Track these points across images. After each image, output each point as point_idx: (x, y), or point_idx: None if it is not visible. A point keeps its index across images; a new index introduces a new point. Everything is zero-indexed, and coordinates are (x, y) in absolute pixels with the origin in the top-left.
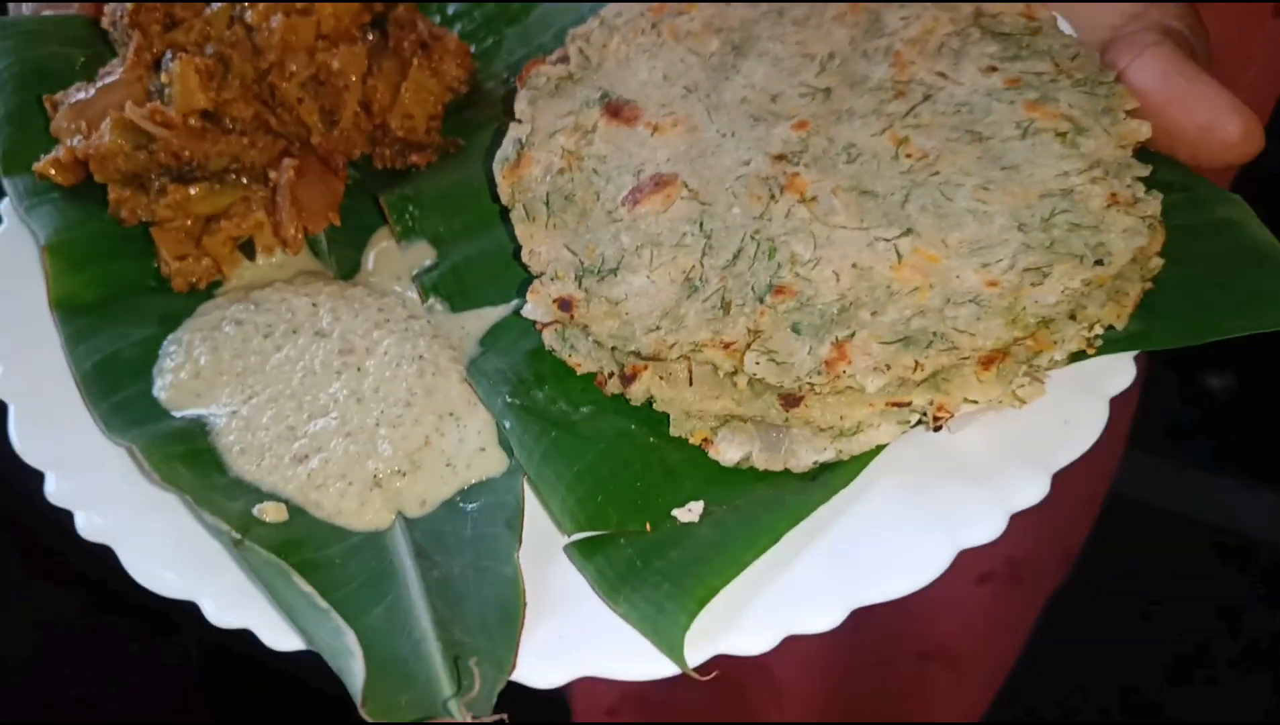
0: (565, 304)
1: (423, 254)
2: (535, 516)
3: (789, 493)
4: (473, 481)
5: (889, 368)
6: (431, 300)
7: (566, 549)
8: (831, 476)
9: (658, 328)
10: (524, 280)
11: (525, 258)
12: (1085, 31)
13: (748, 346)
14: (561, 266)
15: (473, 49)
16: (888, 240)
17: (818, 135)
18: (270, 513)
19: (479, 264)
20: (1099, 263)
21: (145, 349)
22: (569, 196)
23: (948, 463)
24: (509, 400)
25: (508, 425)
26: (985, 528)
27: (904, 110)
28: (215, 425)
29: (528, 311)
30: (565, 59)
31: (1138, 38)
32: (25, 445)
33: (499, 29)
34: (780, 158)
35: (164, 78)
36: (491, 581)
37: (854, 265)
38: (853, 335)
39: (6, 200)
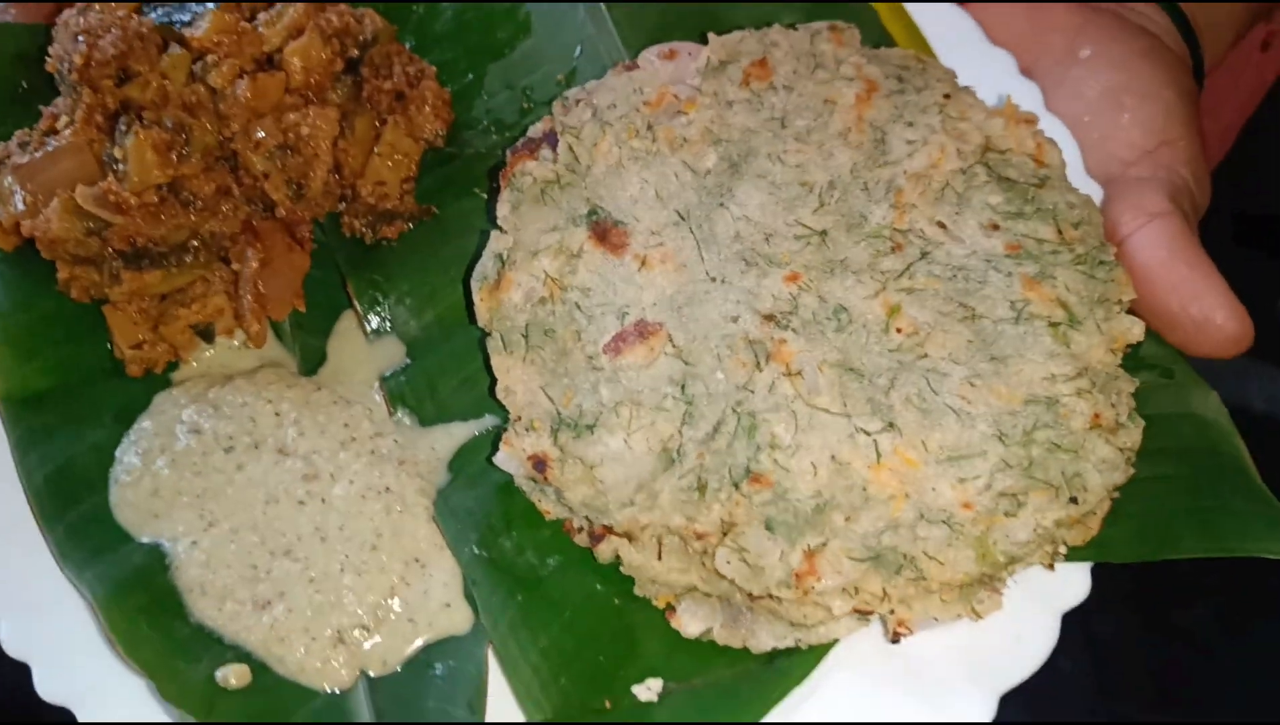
0: (540, 464)
1: (391, 352)
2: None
3: (745, 679)
4: (436, 638)
5: (856, 592)
6: (400, 413)
7: None
8: (789, 664)
9: (631, 503)
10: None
11: (500, 394)
12: (1096, 161)
13: (720, 541)
14: (538, 415)
15: (451, 90)
16: (869, 433)
17: (809, 292)
18: (234, 676)
19: (451, 369)
20: (1073, 500)
21: (100, 454)
22: (549, 331)
23: (899, 667)
24: (476, 551)
25: (475, 582)
26: None
27: (899, 268)
28: (175, 558)
29: (500, 461)
30: (552, 138)
31: (1145, 198)
32: None
33: (481, 64)
34: (769, 318)
35: (118, 152)
36: None
37: (833, 457)
38: (825, 544)
39: None
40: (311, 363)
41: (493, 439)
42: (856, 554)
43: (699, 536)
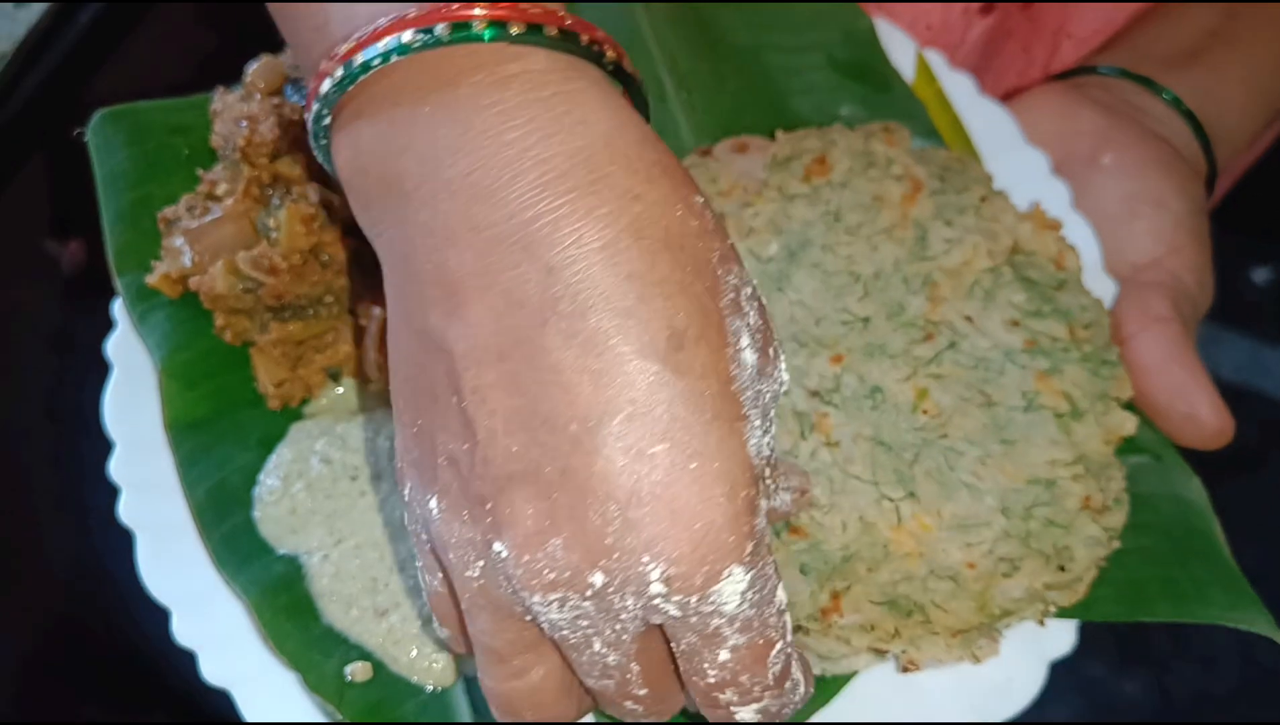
0: None
1: None
2: None
3: None
4: None
5: (873, 629)
6: None
7: None
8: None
9: None
10: None
11: None
12: (1114, 263)
13: None
14: None
15: None
16: (893, 500)
17: (850, 373)
18: (359, 673)
19: None
20: (1061, 568)
21: (246, 474)
22: None
23: (908, 698)
24: None
25: None
26: None
27: (930, 355)
28: (309, 568)
29: None
30: None
31: (1150, 303)
32: (153, 581)
33: None
34: (814, 394)
35: (271, 221)
36: None
37: (861, 518)
38: (849, 588)
39: (119, 300)
40: None
41: None
42: (875, 598)
43: None
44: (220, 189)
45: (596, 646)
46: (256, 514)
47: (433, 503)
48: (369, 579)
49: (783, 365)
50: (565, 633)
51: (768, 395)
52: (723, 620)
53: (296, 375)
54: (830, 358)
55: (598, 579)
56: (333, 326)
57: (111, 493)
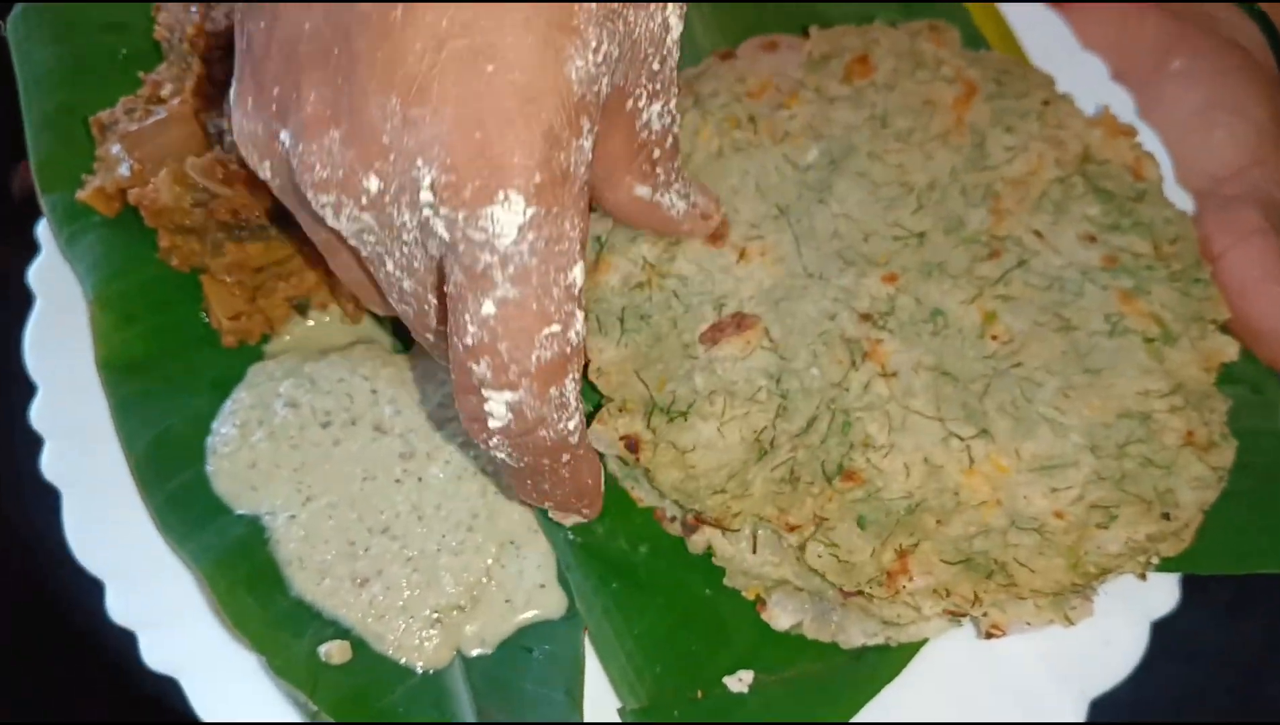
0: (632, 444)
1: None
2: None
3: (835, 674)
4: (531, 619)
5: (948, 594)
6: None
7: (622, 713)
8: (878, 661)
9: (723, 490)
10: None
11: (593, 375)
12: (1187, 175)
13: (811, 535)
14: (631, 397)
15: None
16: (962, 439)
17: (906, 294)
18: (336, 652)
19: None
20: (1165, 516)
21: (197, 423)
22: (645, 317)
23: (989, 669)
24: (570, 537)
25: (569, 567)
26: None
27: (996, 275)
28: (274, 531)
29: (593, 437)
30: None
31: (1239, 216)
32: (82, 549)
33: None
34: (866, 318)
35: (226, 123)
36: None
37: (925, 460)
38: (917, 545)
39: (43, 222)
40: (406, 339)
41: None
42: (948, 557)
43: (791, 528)
44: (165, 90)
45: (389, 267)
46: (210, 468)
47: (232, 94)
48: (345, 543)
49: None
50: (355, 246)
51: (637, 27)
52: (494, 259)
53: (256, 307)
54: (882, 277)
55: (372, 183)
56: (299, 250)
57: (35, 444)
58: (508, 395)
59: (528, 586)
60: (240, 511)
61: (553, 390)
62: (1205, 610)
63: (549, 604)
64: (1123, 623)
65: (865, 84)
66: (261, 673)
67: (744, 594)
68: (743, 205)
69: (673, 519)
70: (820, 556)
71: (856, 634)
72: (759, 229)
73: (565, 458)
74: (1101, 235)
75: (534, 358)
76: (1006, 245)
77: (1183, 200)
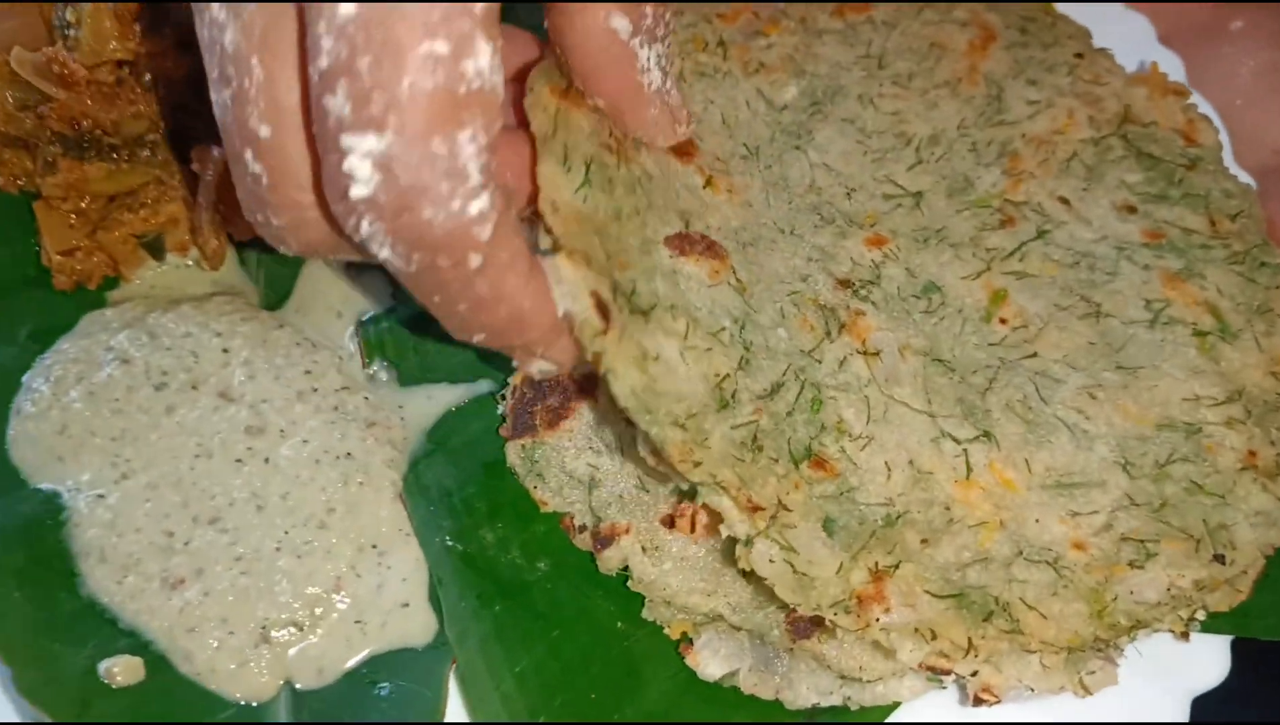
0: (602, 307)
1: (374, 290)
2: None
3: None
4: (386, 648)
5: (933, 637)
6: (376, 365)
7: None
8: None
9: (683, 426)
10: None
11: (544, 206)
12: (1246, 150)
13: (766, 529)
14: (593, 261)
15: None
16: (958, 441)
17: (895, 262)
18: (123, 671)
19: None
20: (1218, 558)
21: (6, 377)
22: (612, 181)
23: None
24: (449, 542)
25: (442, 580)
26: None
27: (1009, 247)
28: (75, 512)
29: (549, 267)
30: None
31: None
32: None
33: None
34: (844, 284)
35: (71, 14)
36: None
37: (911, 462)
38: (897, 567)
39: None
40: (276, 295)
41: (485, 407)
42: (936, 588)
43: (753, 508)
44: None
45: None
46: (11, 432)
47: None
48: (162, 533)
49: None
50: None
51: None
52: None
53: (97, 243)
54: (866, 240)
55: None
56: (155, 177)
57: None
58: (371, 140)
59: (387, 604)
60: (38, 485)
61: (436, 143)
62: (1261, 686)
63: (411, 629)
64: (1155, 695)
65: (860, 19)
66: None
67: (666, 631)
68: (707, 137)
69: (582, 529)
70: (772, 561)
71: (807, 690)
72: (725, 164)
73: (474, 261)
74: (1144, 206)
75: (405, 85)
76: (1024, 212)
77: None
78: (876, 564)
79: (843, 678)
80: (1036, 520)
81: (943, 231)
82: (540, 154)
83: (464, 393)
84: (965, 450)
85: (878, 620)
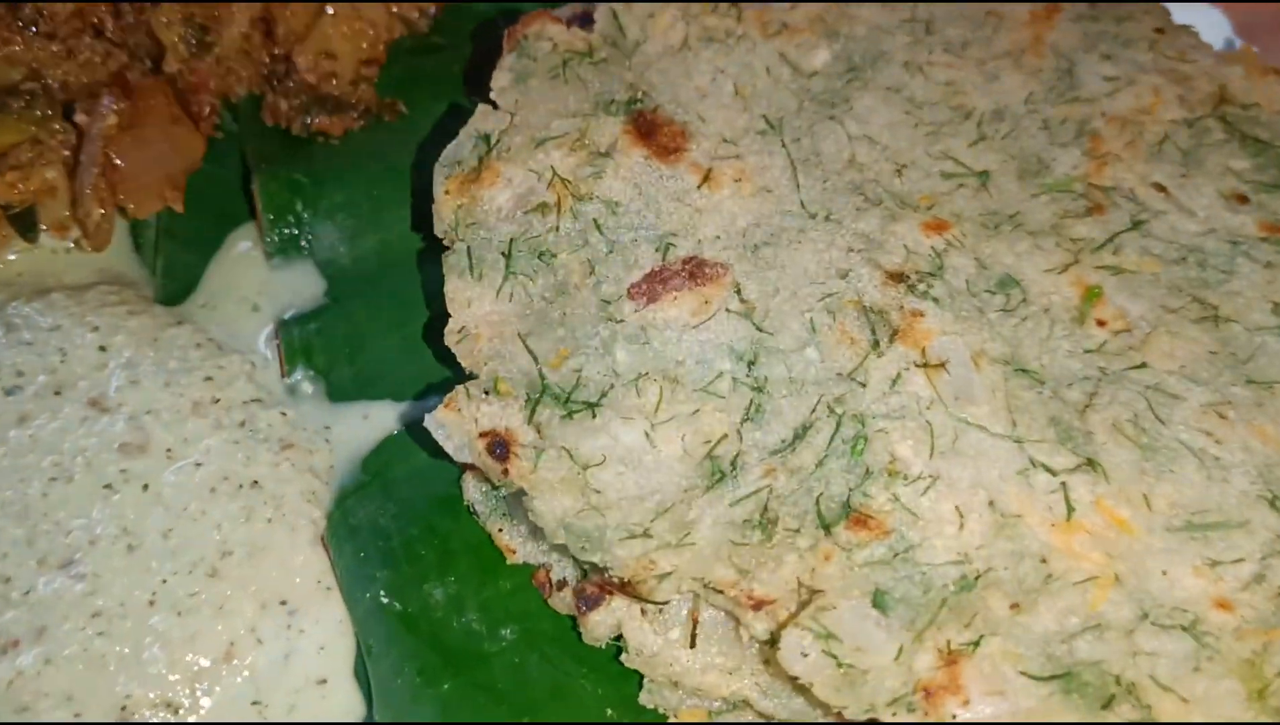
0: (499, 447)
1: (303, 285)
2: None
3: None
4: None
5: None
6: (298, 375)
7: None
8: None
9: (646, 534)
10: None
11: (450, 338)
12: None
13: (794, 617)
14: (510, 375)
15: None
16: (1054, 473)
17: (960, 251)
18: None
19: (388, 324)
20: None
21: None
22: (546, 256)
23: None
24: (384, 599)
25: (373, 649)
26: None
27: (1100, 238)
28: None
29: (432, 426)
30: (588, 19)
31: None
32: None
33: None
34: (897, 278)
35: None
36: None
37: (991, 504)
38: (978, 643)
39: None
40: (177, 285)
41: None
42: (1032, 666)
43: (757, 604)
44: None
45: None
46: None
47: None
48: None
49: None
50: None
51: None
52: None
53: None
54: (923, 224)
55: None
56: (31, 135)
57: None
58: None
59: (296, 680)
60: None
61: None
62: None
63: (327, 713)
64: None
65: None
66: None
67: (671, 720)
68: (713, 114)
69: (562, 585)
70: (806, 655)
71: None
72: (735, 146)
73: None
74: (1256, 195)
75: None
76: (1113, 199)
77: None
78: (949, 643)
79: None
80: (1164, 573)
81: (1017, 217)
82: (447, 268)
83: (410, 413)
84: (1063, 484)
85: (954, 717)
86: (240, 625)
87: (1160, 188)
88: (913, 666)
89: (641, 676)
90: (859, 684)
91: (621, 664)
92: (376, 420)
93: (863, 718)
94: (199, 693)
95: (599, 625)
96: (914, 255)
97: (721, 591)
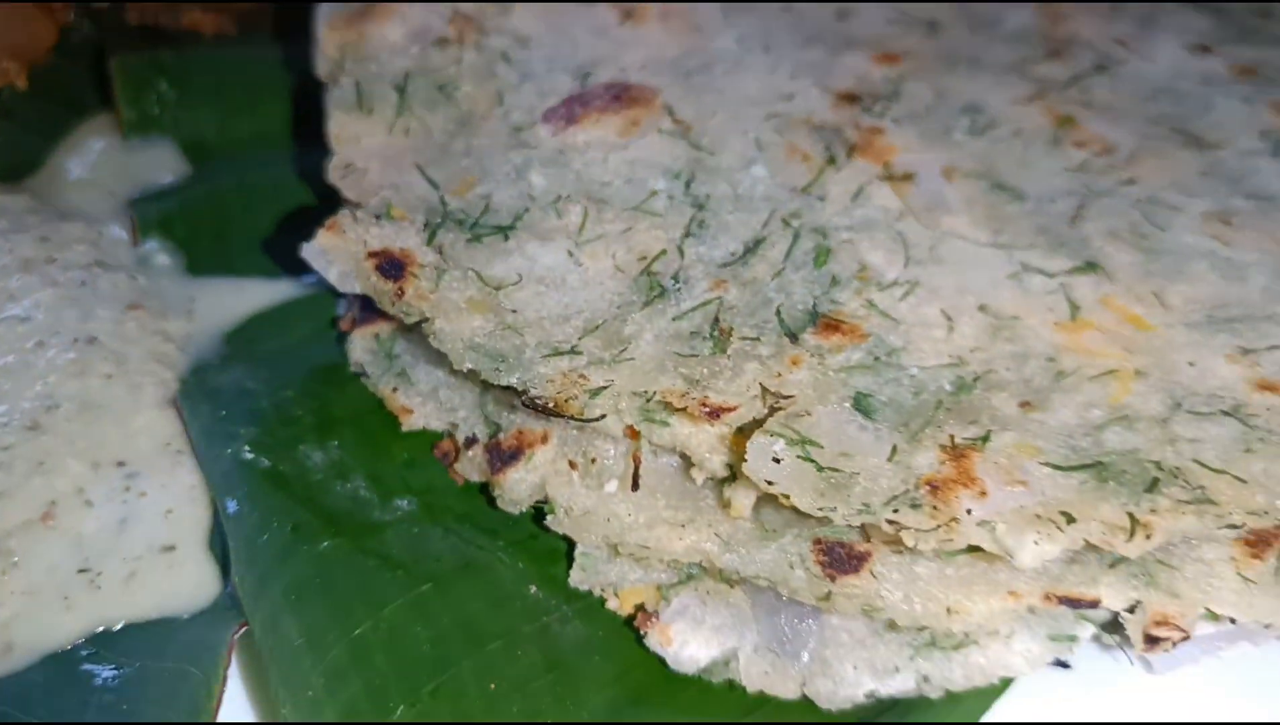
0: (393, 265)
1: (165, 168)
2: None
3: None
4: (129, 618)
5: (1070, 522)
6: (153, 245)
7: None
8: None
9: (574, 350)
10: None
11: (333, 174)
12: None
13: (761, 422)
14: (404, 198)
15: None
16: (1050, 275)
17: (915, 80)
18: None
19: (261, 203)
20: None
21: None
22: (448, 89)
23: None
24: (247, 455)
25: (236, 508)
26: None
27: (1065, 77)
28: None
29: (310, 253)
30: None
31: None
32: None
33: None
34: (850, 99)
35: None
36: None
37: (983, 308)
38: (985, 439)
39: None
40: (19, 166)
41: (316, 309)
42: (1055, 458)
43: (713, 413)
44: None
45: None
46: None
47: None
48: None
49: None
50: None
51: None
52: None
53: None
54: (872, 56)
55: None
56: None
57: None
58: None
59: (136, 547)
60: None
61: None
62: None
63: (174, 585)
64: None
65: None
66: None
67: (611, 604)
68: None
69: (470, 443)
70: (779, 461)
71: (854, 673)
72: None
73: None
74: (1220, 47)
75: None
76: (1072, 50)
77: None
78: (952, 439)
79: (916, 647)
80: (1190, 363)
81: (975, 59)
82: (332, 103)
83: (285, 291)
84: (1064, 284)
85: (969, 513)
86: (63, 484)
87: (1121, 42)
88: (910, 465)
89: (570, 555)
90: (847, 486)
91: (544, 542)
92: (248, 295)
93: (856, 521)
94: (11, 559)
95: (518, 484)
96: (865, 81)
97: (669, 403)
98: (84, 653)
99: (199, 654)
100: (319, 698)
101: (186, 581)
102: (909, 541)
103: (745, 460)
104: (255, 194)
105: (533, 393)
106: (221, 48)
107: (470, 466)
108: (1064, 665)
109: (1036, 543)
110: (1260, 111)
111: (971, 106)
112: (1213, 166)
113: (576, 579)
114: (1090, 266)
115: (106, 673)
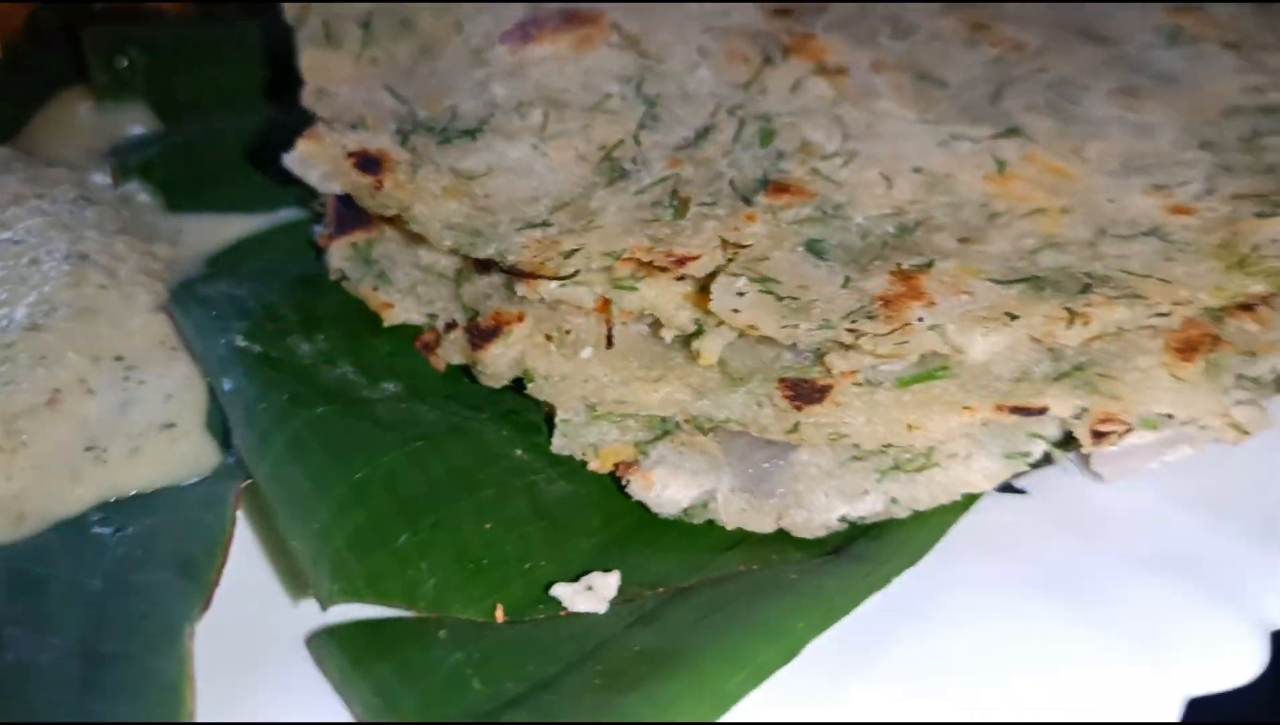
0: (370, 161)
1: (135, 123)
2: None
3: (787, 577)
4: (139, 485)
5: (1014, 317)
6: (134, 186)
7: (311, 644)
8: (875, 552)
9: (545, 223)
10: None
11: (307, 98)
12: None
13: (720, 268)
14: (376, 114)
15: None
16: (975, 141)
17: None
18: None
19: (234, 149)
20: None
21: None
22: (407, 22)
23: (1089, 553)
24: (240, 343)
25: (229, 385)
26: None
27: None
28: None
29: (292, 161)
30: None
31: None
32: None
33: None
34: (782, 14)
35: None
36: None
37: (917, 170)
38: (930, 265)
39: None
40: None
41: (291, 234)
42: (996, 275)
43: (679, 261)
44: None
45: None
46: None
47: None
48: None
49: None
50: None
51: None
52: None
53: None
54: None
55: None
56: None
57: None
58: None
59: (137, 425)
60: None
61: None
62: None
63: (176, 456)
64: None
65: None
66: None
67: (593, 464)
68: None
69: (450, 328)
70: (743, 294)
71: (825, 500)
72: None
73: None
74: None
75: None
76: None
77: None
78: (899, 266)
79: (882, 471)
80: (1110, 200)
81: None
82: (301, 40)
83: (258, 223)
84: (990, 147)
85: (920, 320)
86: (65, 375)
87: None
88: (864, 288)
89: (550, 426)
90: (807, 310)
91: (525, 417)
92: (228, 227)
93: (817, 337)
94: (20, 438)
95: (498, 359)
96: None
97: (637, 258)
98: (95, 517)
99: (209, 505)
100: (327, 528)
101: (188, 453)
102: (868, 347)
103: (711, 302)
104: (228, 139)
105: (510, 259)
106: (189, 25)
107: (452, 348)
108: (1019, 491)
109: (984, 335)
110: (1153, 12)
111: (892, 17)
112: (1115, 57)
113: (558, 445)
114: (1012, 132)
115: (119, 533)
